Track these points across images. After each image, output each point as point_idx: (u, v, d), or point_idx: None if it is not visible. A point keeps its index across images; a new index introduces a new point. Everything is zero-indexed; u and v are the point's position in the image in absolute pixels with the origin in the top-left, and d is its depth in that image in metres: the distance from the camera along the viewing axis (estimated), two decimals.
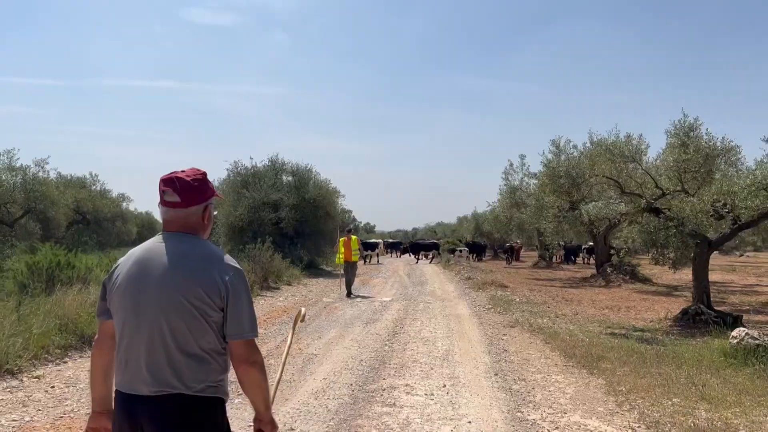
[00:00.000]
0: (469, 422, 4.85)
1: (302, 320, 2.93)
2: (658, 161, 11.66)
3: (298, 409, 5.18)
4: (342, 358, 7.33)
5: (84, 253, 13.80)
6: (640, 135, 11.93)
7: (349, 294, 14.57)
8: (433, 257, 35.00)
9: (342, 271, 15.15)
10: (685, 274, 16.88)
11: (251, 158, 28.73)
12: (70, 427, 4.67)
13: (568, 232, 22.08)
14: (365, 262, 30.03)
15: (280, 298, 14.19)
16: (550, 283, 21.09)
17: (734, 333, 7.44)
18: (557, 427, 4.76)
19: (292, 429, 4.68)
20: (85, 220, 28.66)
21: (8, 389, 5.72)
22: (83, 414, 4.93)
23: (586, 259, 35.49)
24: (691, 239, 11.05)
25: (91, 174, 32.59)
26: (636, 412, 5.13)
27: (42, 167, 20.46)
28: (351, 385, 6.04)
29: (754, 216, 10.49)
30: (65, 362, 6.90)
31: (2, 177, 18.35)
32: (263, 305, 12.69)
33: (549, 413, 5.13)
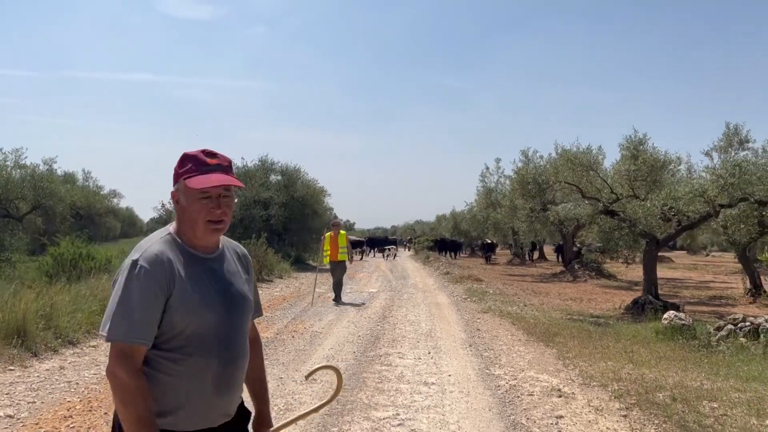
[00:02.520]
0: (449, 375, 6.32)
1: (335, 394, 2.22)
2: (613, 169, 13.29)
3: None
4: (343, 334, 8.75)
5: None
6: (599, 146, 13.62)
7: (336, 297, 12.90)
8: (362, 253, 37.45)
9: (329, 268, 13.55)
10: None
11: (242, 158, 29.91)
12: None
13: (541, 231, 23.84)
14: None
15: (276, 289, 15.55)
16: (522, 278, 22.74)
17: (666, 315, 9.03)
18: (515, 379, 6.25)
19: (314, 379, 6.09)
20: (79, 215, 29.65)
21: (75, 354, 7.05)
22: None
23: None
24: (641, 238, 12.73)
25: (83, 170, 33.73)
26: (577, 370, 6.64)
27: (50, 166, 21.58)
28: (354, 352, 7.47)
29: (695, 218, 12.19)
30: None
31: (12, 174, 19.43)
32: (262, 295, 14.04)
33: (510, 371, 6.63)
